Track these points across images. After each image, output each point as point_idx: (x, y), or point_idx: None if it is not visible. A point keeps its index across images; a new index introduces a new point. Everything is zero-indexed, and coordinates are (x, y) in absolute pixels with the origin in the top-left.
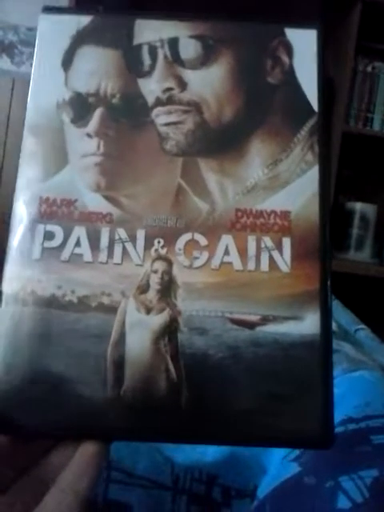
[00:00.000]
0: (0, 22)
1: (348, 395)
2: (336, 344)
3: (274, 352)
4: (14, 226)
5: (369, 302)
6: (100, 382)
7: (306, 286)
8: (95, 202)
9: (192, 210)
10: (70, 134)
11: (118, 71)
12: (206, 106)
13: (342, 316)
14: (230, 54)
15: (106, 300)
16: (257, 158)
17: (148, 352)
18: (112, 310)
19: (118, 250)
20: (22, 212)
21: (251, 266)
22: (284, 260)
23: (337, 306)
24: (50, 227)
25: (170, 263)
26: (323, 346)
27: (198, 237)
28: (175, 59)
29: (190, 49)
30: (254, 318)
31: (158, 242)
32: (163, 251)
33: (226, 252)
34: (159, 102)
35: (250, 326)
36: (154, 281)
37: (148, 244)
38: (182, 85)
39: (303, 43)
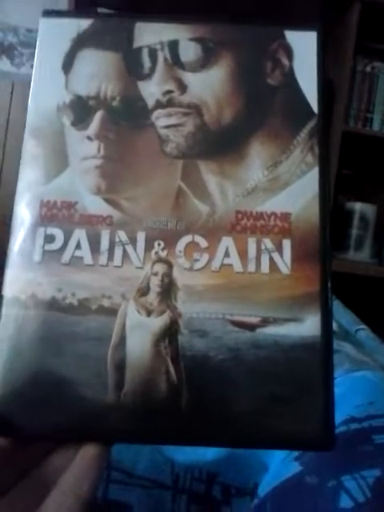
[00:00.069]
0: (0, 24)
1: (350, 395)
2: (337, 344)
3: (274, 354)
4: (14, 229)
5: (368, 302)
6: (101, 385)
7: (307, 287)
8: (95, 205)
9: (192, 212)
10: (71, 136)
11: (118, 74)
12: (206, 108)
13: (343, 316)
14: (230, 56)
15: (106, 303)
16: (257, 159)
17: (148, 354)
18: (112, 312)
19: (118, 252)
20: (22, 215)
21: (251, 267)
22: (284, 262)
23: (337, 306)
24: (50, 230)
25: (170, 265)
26: (324, 347)
27: (199, 239)
28: (175, 62)
29: (189, 51)
30: (254, 319)
31: (159, 245)
32: (163, 253)
33: (227, 254)
34: (159, 105)
35: (251, 327)
36: (155, 283)
37: (148, 246)
38: (182, 87)
39: (303, 45)
